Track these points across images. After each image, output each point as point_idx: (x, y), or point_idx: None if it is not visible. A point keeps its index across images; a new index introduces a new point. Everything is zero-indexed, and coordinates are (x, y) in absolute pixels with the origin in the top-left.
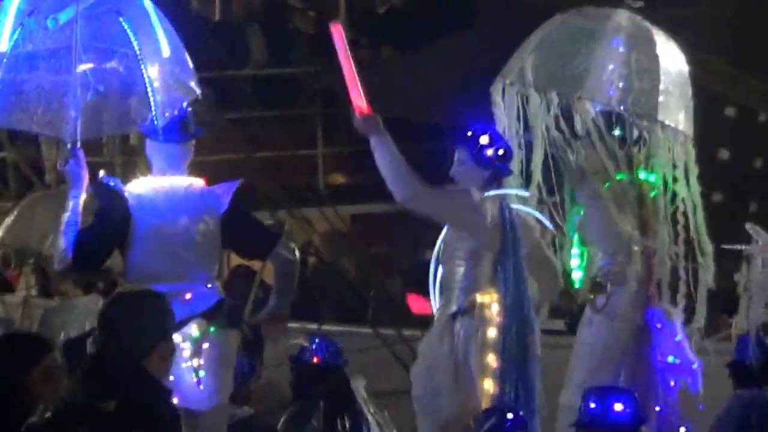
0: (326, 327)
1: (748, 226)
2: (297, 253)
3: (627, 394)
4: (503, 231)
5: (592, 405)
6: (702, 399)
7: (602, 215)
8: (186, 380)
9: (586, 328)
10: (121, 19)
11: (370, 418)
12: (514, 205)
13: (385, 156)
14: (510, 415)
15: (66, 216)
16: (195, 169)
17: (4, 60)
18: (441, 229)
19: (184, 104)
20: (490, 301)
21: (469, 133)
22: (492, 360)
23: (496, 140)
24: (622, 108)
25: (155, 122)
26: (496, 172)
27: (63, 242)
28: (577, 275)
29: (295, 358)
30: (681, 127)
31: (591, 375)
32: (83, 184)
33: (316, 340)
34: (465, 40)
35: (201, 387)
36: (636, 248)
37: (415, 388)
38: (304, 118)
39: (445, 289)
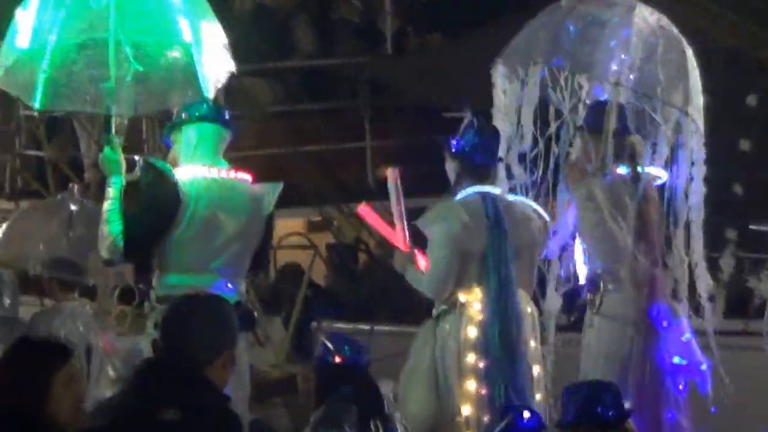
0: (379, 327)
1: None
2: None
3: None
4: (488, 227)
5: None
6: (713, 401)
7: (597, 218)
8: None
9: (587, 329)
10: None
11: (398, 425)
12: (510, 197)
13: (413, 285)
14: (527, 414)
15: (107, 204)
16: (241, 163)
17: (55, 44)
18: None
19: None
20: (473, 300)
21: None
22: (473, 359)
23: (466, 131)
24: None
25: (206, 94)
26: (467, 164)
27: (108, 231)
28: (582, 270)
29: (317, 358)
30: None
31: (596, 377)
32: (122, 171)
33: (338, 339)
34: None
35: None
36: (628, 253)
37: (399, 392)
38: (351, 110)
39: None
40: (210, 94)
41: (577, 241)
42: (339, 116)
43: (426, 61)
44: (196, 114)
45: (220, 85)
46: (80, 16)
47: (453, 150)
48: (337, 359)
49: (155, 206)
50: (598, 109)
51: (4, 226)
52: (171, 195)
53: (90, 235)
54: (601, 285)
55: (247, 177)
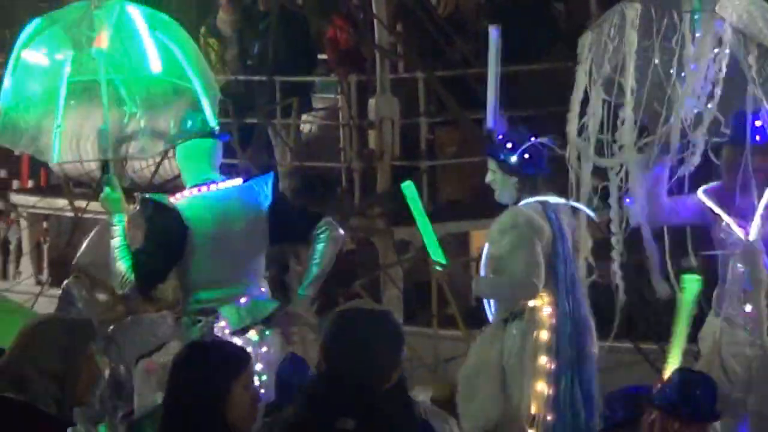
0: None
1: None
2: (341, 230)
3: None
4: (553, 234)
5: None
6: None
7: None
8: None
9: None
10: (154, 32)
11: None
12: (552, 200)
13: (492, 293)
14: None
15: (116, 242)
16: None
17: (66, 98)
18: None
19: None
20: (542, 304)
21: (496, 142)
22: (544, 362)
23: (517, 145)
24: None
25: (212, 124)
26: (524, 178)
27: (120, 267)
28: None
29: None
30: None
31: None
32: (123, 209)
33: None
34: None
35: (263, 390)
36: None
37: (461, 391)
38: (553, 118)
39: None
40: (215, 123)
41: None
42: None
43: None
44: (186, 132)
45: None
46: (84, 67)
47: (510, 169)
48: None
49: (161, 238)
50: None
51: (92, 234)
52: (174, 224)
53: None
54: None
55: (237, 181)
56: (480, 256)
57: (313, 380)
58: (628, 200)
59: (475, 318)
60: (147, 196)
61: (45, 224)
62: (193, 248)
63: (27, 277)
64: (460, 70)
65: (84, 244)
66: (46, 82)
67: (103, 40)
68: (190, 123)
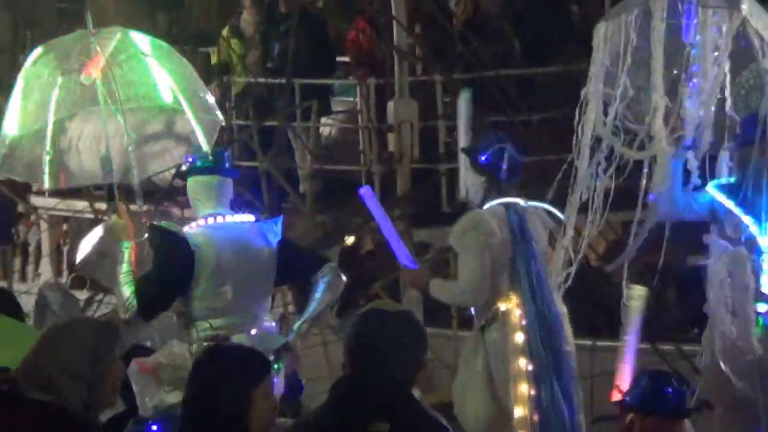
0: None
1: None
2: (343, 277)
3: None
4: (512, 236)
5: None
6: None
7: None
8: None
9: None
10: (146, 59)
11: None
12: (523, 203)
13: (442, 296)
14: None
15: (121, 268)
16: None
17: (54, 124)
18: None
19: (217, 128)
20: (512, 307)
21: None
22: (524, 364)
23: (487, 145)
24: None
25: (204, 149)
26: (491, 178)
27: (124, 292)
28: None
29: None
30: None
31: None
32: (130, 235)
33: None
34: None
35: None
36: None
37: (455, 402)
38: (567, 119)
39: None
40: (207, 147)
41: None
42: (556, 126)
43: None
44: (195, 168)
45: (214, 139)
46: (72, 93)
47: (481, 165)
48: None
49: (166, 266)
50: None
51: (87, 237)
52: (181, 252)
53: None
54: None
55: (249, 217)
56: None
57: (340, 382)
58: (652, 197)
59: None
60: (157, 224)
61: (65, 226)
62: (201, 277)
63: (46, 280)
64: (478, 72)
65: (81, 244)
66: (37, 109)
67: (95, 67)
68: (185, 148)
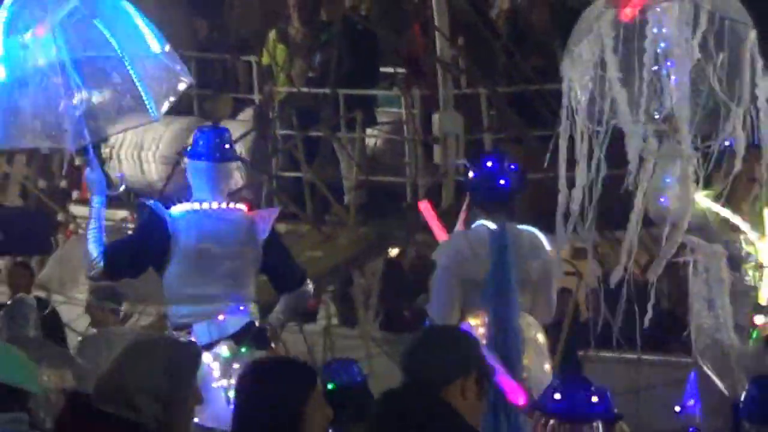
0: (646, 356)
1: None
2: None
3: None
4: (492, 256)
5: None
6: None
7: None
8: (217, 400)
9: None
10: (95, 21)
11: None
12: (517, 227)
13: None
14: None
15: (91, 223)
16: None
17: None
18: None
19: (180, 89)
20: (479, 324)
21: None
22: None
23: (475, 163)
24: None
25: (154, 115)
26: (475, 196)
27: (92, 249)
28: None
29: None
30: None
31: None
32: (104, 191)
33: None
34: None
35: (231, 406)
36: None
37: None
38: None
39: None
40: (159, 114)
41: None
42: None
43: None
44: (191, 152)
45: (173, 101)
46: (17, 51)
47: (467, 184)
48: (329, 387)
49: (140, 232)
50: None
51: (56, 253)
52: (158, 225)
53: None
54: None
55: (241, 207)
56: None
57: (390, 395)
58: (662, 199)
59: None
60: (143, 201)
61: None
62: (175, 259)
63: (86, 290)
64: (523, 85)
65: (50, 260)
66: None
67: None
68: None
